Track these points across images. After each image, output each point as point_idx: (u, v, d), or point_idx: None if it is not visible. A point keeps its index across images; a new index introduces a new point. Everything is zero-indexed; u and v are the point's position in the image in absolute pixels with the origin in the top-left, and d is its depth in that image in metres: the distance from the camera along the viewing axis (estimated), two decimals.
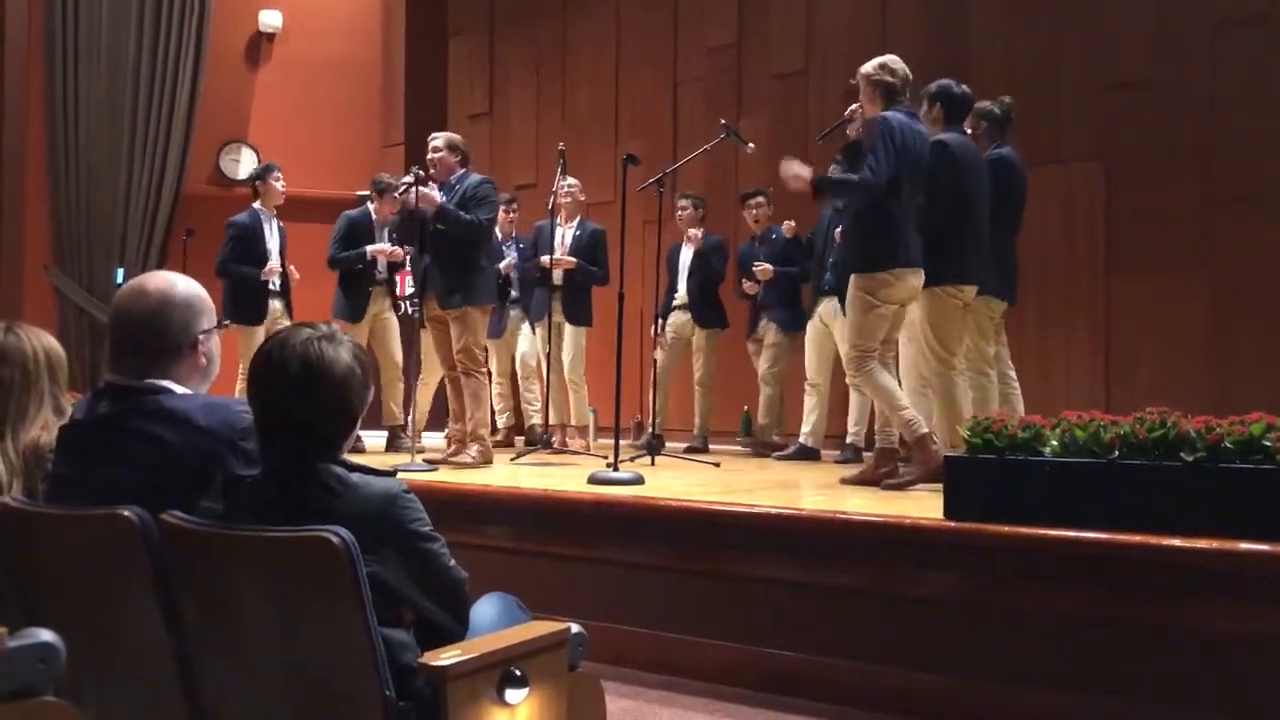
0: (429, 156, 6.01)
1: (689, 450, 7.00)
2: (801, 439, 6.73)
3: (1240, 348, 6.28)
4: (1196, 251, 6.48)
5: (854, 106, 5.20)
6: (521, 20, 9.82)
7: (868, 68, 4.89)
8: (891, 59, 4.89)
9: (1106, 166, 6.83)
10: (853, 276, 4.84)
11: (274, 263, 7.05)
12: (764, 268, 7.02)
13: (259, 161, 9.73)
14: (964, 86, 5.12)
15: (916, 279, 4.79)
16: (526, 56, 9.81)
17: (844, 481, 5.03)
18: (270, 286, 7.05)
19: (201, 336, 2.23)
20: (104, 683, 2.07)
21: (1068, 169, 6.74)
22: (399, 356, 7.30)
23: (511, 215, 7.80)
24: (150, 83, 9.47)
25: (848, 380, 5.30)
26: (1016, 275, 5.39)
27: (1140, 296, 6.65)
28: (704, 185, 8.26)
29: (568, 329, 7.28)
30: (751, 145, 6.59)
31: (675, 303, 7.47)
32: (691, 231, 7.34)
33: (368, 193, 7.39)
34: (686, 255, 7.41)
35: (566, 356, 7.31)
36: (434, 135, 6.19)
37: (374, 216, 7.16)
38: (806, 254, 6.96)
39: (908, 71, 4.88)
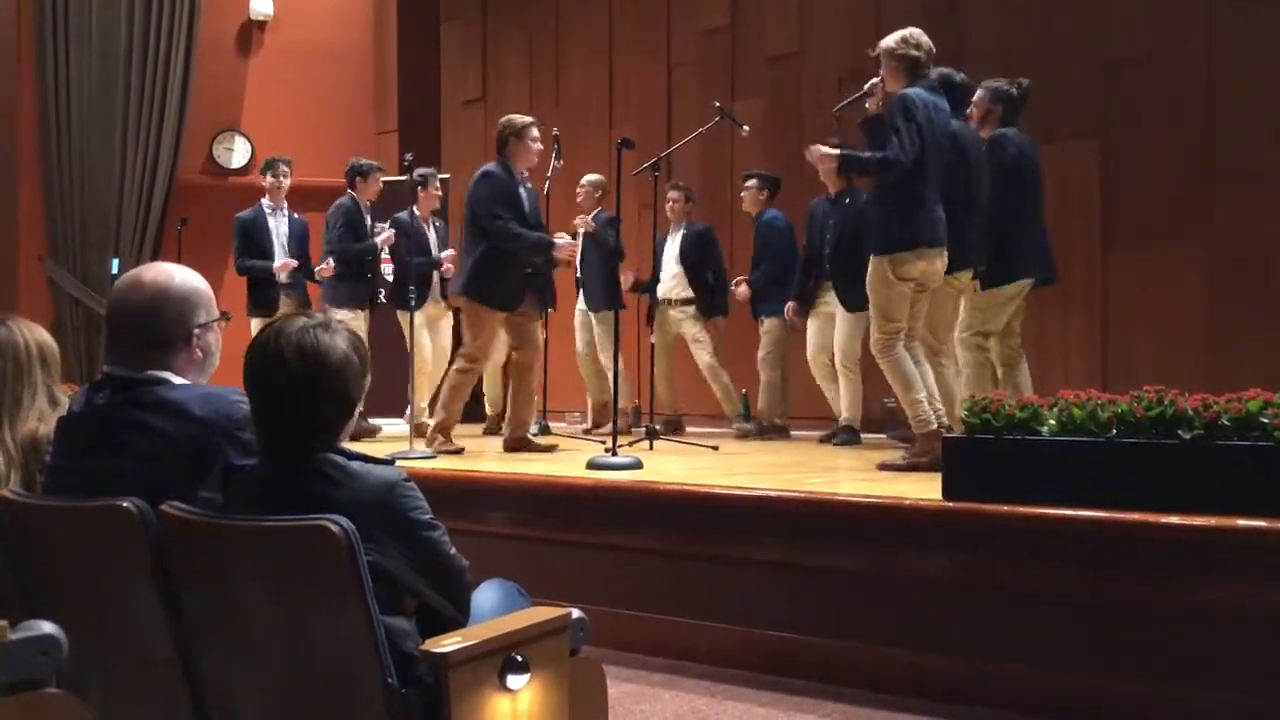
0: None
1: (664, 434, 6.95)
2: (844, 421, 6.58)
3: (1237, 325, 6.27)
4: (1192, 229, 6.45)
5: (874, 80, 4.89)
6: (514, 5, 9.78)
7: (889, 41, 4.70)
8: (914, 32, 4.69)
9: (1102, 145, 6.81)
10: (873, 257, 4.67)
11: (281, 258, 7.04)
12: (741, 289, 7.05)
13: (252, 149, 9.73)
14: (962, 74, 5.14)
15: (940, 260, 4.66)
16: (519, 41, 9.76)
17: (883, 467, 4.83)
18: (280, 280, 7.01)
19: (198, 330, 2.23)
20: (106, 673, 2.07)
21: (1063, 148, 6.71)
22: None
23: None
24: (142, 72, 9.43)
25: (877, 360, 5.06)
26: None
27: (1136, 275, 6.63)
28: (699, 169, 8.24)
29: (594, 316, 7.42)
30: (746, 128, 6.57)
31: (659, 294, 7.36)
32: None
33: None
34: (671, 246, 7.32)
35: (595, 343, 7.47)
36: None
37: (361, 202, 7.13)
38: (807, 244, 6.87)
39: (932, 45, 4.69)
